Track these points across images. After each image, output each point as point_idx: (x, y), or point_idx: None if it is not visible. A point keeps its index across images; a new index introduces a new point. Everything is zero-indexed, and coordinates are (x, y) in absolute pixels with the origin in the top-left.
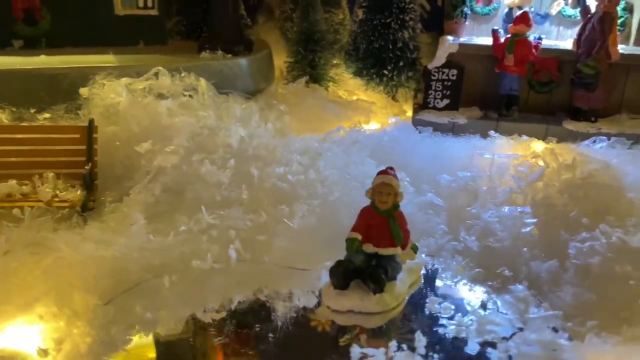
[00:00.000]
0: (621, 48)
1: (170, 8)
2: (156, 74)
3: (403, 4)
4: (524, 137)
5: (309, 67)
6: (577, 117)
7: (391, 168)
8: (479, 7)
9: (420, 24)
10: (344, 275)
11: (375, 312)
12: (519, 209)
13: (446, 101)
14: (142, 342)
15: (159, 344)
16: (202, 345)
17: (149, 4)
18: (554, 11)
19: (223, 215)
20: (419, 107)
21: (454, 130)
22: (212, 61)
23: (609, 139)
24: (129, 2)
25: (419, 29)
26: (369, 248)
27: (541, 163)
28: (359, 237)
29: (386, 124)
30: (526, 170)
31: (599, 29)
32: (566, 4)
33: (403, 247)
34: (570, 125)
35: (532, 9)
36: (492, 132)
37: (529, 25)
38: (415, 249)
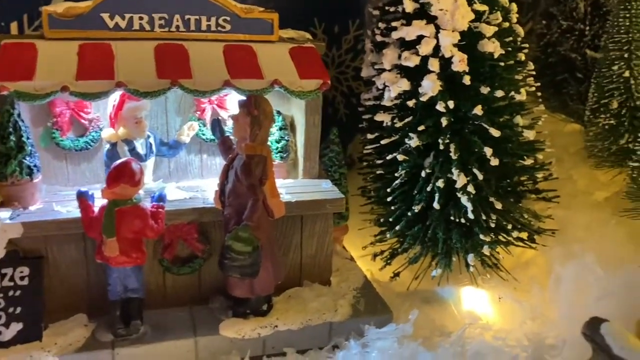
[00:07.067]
0: (289, 185)
1: None
2: None
3: None
4: None
5: None
6: (241, 311)
7: None
8: (68, 140)
9: None
10: None
11: None
12: None
13: (17, 326)
14: None
15: None
16: None
17: None
18: (186, 138)
19: None
20: None
21: None
22: None
23: None
24: None
25: None
26: None
27: None
28: None
29: None
30: None
31: (246, 183)
32: (203, 125)
33: None
34: (230, 331)
35: (151, 138)
36: None
37: (135, 184)
38: None
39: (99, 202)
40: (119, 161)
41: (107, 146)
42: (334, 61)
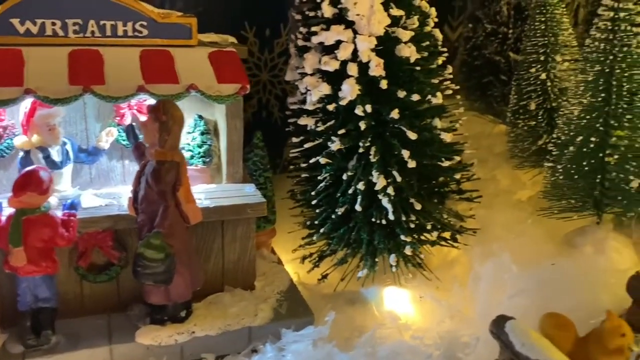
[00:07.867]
0: (210, 190)
1: None
2: None
3: None
4: None
5: None
6: (159, 318)
7: None
8: None
9: None
10: None
11: None
12: None
13: None
14: None
15: None
16: None
17: None
18: (105, 144)
19: None
20: None
21: None
22: None
23: None
24: None
25: None
26: None
27: None
28: None
29: None
30: None
31: (156, 189)
32: (122, 131)
33: None
34: (146, 338)
35: (68, 145)
36: None
37: (43, 192)
38: None
39: (9, 210)
40: (26, 169)
41: (21, 154)
42: (267, 64)
